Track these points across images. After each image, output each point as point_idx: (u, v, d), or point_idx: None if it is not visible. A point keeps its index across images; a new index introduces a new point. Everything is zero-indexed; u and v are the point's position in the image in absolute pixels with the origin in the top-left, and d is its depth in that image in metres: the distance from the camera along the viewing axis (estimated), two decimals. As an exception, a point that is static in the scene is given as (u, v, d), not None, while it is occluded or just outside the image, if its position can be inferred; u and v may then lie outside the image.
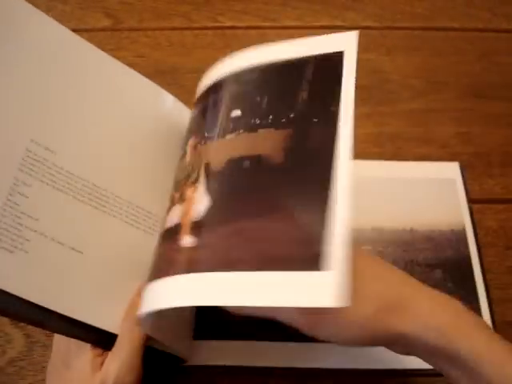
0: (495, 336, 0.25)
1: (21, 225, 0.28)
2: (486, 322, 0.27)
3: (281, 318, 0.26)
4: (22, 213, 0.28)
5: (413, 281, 0.27)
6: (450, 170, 0.44)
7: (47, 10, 0.51)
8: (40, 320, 0.28)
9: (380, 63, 0.52)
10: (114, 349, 0.29)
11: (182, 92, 0.50)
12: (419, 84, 0.50)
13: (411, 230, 0.41)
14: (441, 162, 0.45)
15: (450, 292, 0.35)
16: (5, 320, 0.37)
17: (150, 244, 0.33)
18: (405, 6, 0.56)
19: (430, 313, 0.25)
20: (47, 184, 0.30)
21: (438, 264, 0.39)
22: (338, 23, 0.54)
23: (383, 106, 0.49)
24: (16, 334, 0.37)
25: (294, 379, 0.35)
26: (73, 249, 0.30)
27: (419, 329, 0.25)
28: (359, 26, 0.54)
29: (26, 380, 0.36)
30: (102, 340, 0.30)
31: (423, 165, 0.44)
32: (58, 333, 0.32)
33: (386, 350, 0.27)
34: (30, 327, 0.37)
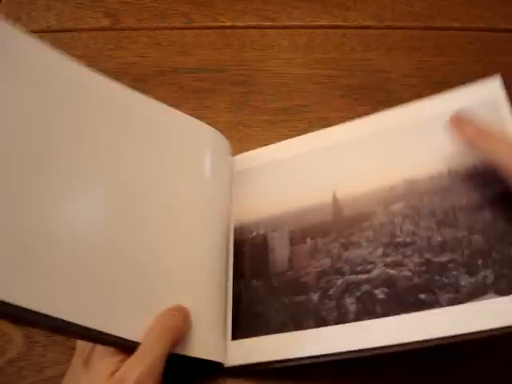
0: None
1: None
2: None
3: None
4: None
5: None
6: (490, 90, 0.37)
7: (47, 10, 0.51)
8: (62, 328, 0.27)
9: (380, 63, 0.52)
10: (136, 355, 0.29)
11: (182, 92, 0.50)
12: (419, 84, 0.50)
13: (449, 173, 0.35)
14: (478, 82, 0.38)
15: (502, 232, 0.32)
16: (4, 320, 0.37)
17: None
18: (405, 5, 0.56)
19: None
20: None
21: (486, 203, 0.33)
22: (339, 23, 0.54)
23: (383, 105, 0.49)
24: (16, 334, 0.37)
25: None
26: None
27: None
28: (359, 25, 0.54)
29: (25, 380, 0.35)
30: (129, 346, 0.30)
31: (456, 94, 0.38)
32: (85, 340, 0.31)
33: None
34: (30, 327, 0.37)
